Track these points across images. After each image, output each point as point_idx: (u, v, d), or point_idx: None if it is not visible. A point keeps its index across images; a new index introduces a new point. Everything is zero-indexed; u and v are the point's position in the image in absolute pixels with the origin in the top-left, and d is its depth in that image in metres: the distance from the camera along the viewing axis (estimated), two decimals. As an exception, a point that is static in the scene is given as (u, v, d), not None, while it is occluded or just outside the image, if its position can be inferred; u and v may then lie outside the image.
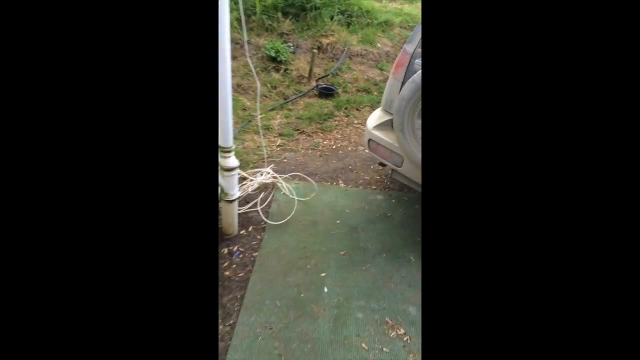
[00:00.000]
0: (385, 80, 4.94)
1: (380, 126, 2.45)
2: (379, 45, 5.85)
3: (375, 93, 4.66)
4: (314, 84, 4.58)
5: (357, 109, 4.23)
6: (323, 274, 2.17)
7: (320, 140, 3.55)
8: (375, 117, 2.50)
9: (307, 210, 2.67)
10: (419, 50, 2.27)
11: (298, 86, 4.54)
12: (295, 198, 2.70)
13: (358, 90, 4.67)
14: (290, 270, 2.16)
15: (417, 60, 2.26)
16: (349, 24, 6.16)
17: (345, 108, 4.18)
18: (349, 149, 3.49)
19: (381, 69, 5.20)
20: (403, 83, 2.32)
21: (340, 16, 6.08)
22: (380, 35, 6.15)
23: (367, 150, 2.62)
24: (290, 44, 5.02)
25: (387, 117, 2.42)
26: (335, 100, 4.30)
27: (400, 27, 6.57)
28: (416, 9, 8.25)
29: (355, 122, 3.97)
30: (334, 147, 3.49)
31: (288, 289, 2.05)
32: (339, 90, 4.53)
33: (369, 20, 6.42)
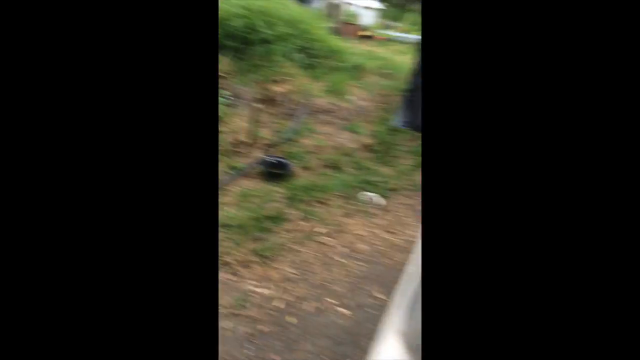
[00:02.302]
0: (362, 150, 3.46)
1: None
2: (351, 97, 4.39)
3: (350, 170, 3.14)
4: (258, 156, 3.05)
5: (322, 202, 2.66)
6: None
7: (252, 287, 1.86)
8: None
9: None
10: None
11: (234, 159, 2.97)
12: None
13: (324, 166, 3.15)
14: None
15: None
16: (310, 67, 4.70)
17: (304, 201, 2.60)
18: (308, 308, 1.79)
19: (355, 132, 3.73)
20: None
21: (299, 55, 4.60)
22: (353, 84, 4.73)
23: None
24: (227, 93, 3.45)
25: None
26: (289, 186, 2.74)
27: (377, 74, 5.22)
28: (391, 53, 7.06)
29: (320, 231, 2.35)
30: (277, 305, 1.79)
31: None
32: (296, 167, 3.00)
33: (337, 63, 5.00)
